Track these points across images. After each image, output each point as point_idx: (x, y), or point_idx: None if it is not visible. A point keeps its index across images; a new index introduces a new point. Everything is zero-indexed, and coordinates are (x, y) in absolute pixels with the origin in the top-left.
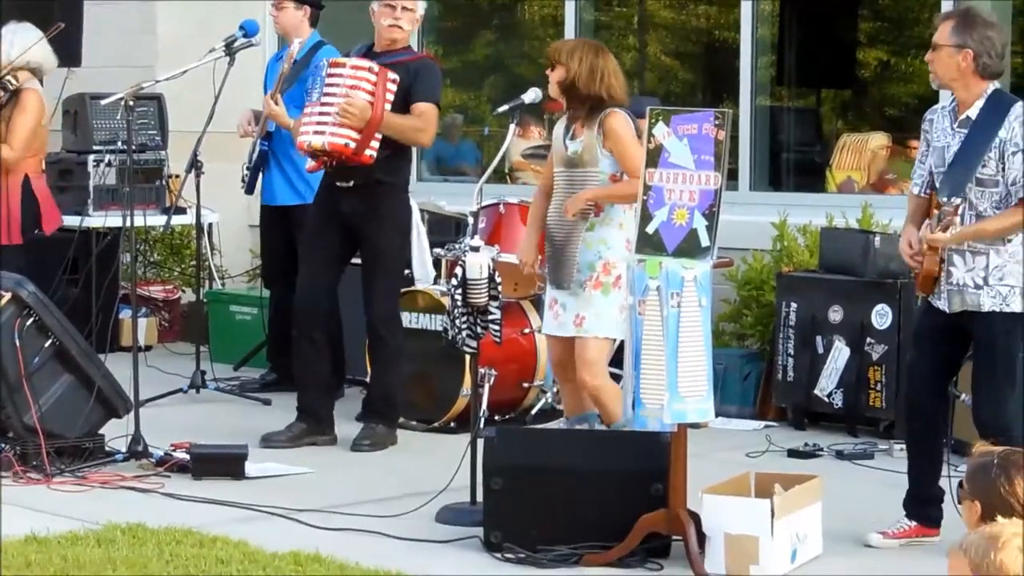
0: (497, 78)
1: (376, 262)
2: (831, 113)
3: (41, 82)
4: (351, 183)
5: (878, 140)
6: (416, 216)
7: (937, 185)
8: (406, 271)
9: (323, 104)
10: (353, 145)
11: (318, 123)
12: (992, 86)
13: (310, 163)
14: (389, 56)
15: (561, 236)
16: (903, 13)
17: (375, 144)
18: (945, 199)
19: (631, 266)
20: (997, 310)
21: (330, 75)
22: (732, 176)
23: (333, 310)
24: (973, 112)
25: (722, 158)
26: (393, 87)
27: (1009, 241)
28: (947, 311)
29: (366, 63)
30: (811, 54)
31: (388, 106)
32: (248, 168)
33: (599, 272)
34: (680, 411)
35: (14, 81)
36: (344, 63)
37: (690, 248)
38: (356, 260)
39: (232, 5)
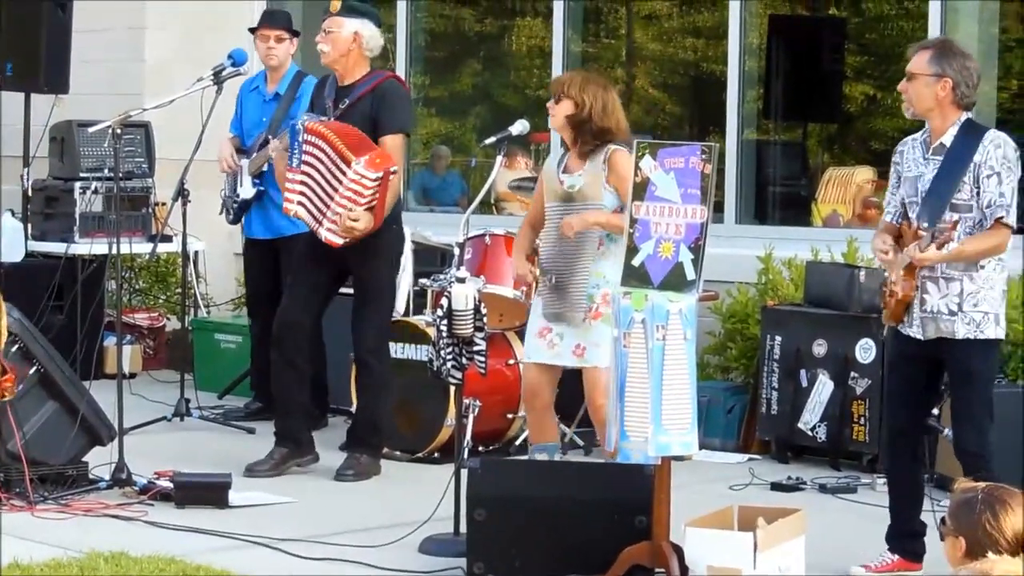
0: (483, 108)
1: (367, 293)
2: (817, 147)
3: None
4: None
5: (863, 174)
6: (408, 247)
7: (912, 214)
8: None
9: (305, 173)
10: (349, 242)
11: (302, 194)
12: (966, 115)
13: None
14: (356, 88)
15: (562, 271)
16: (889, 48)
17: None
18: (926, 224)
19: (617, 298)
20: (972, 337)
21: (308, 143)
22: (718, 209)
23: (316, 337)
24: (947, 139)
25: (708, 192)
26: (396, 181)
27: (982, 267)
28: (921, 339)
29: (372, 174)
30: (797, 88)
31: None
32: (225, 196)
33: (599, 303)
34: (664, 444)
35: None
36: (349, 159)
37: (676, 281)
38: (344, 290)
39: (220, 34)
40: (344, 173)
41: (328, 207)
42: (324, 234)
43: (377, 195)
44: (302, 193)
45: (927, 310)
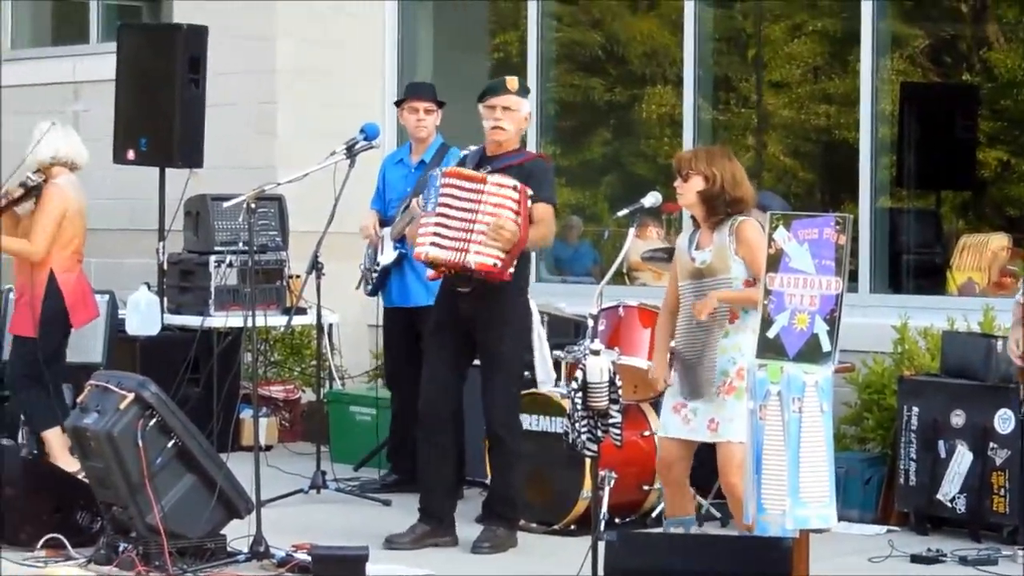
0: (614, 177)
1: (496, 366)
2: (951, 213)
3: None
4: (470, 288)
5: (998, 241)
6: (536, 318)
7: None
8: (526, 373)
9: (442, 215)
10: (500, 265)
11: (436, 235)
12: None
13: (430, 272)
14: (501, 159)
15: (694, 351)
16: (1023, 113)
17: (514, 263)
18: None
19: (752, 370)
20: None
21: (447, 185)
22: (852, 278)
23: (457, 413)
24: None
25: (843, 263)
26: (530, 203)
27: None
28: None
29: (509, 181)
30: (930, 154)
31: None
32: (365, 268)
33: (733, 377)
34: (802, 517)
35: (34, 178)
36: (484, 179)
37: (811, 353)
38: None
39: (350, 108)
40: (482, 192)
41: (471, 231)
42: (472, 259)
43: (520, 207)
44: (435, 234)
45: None
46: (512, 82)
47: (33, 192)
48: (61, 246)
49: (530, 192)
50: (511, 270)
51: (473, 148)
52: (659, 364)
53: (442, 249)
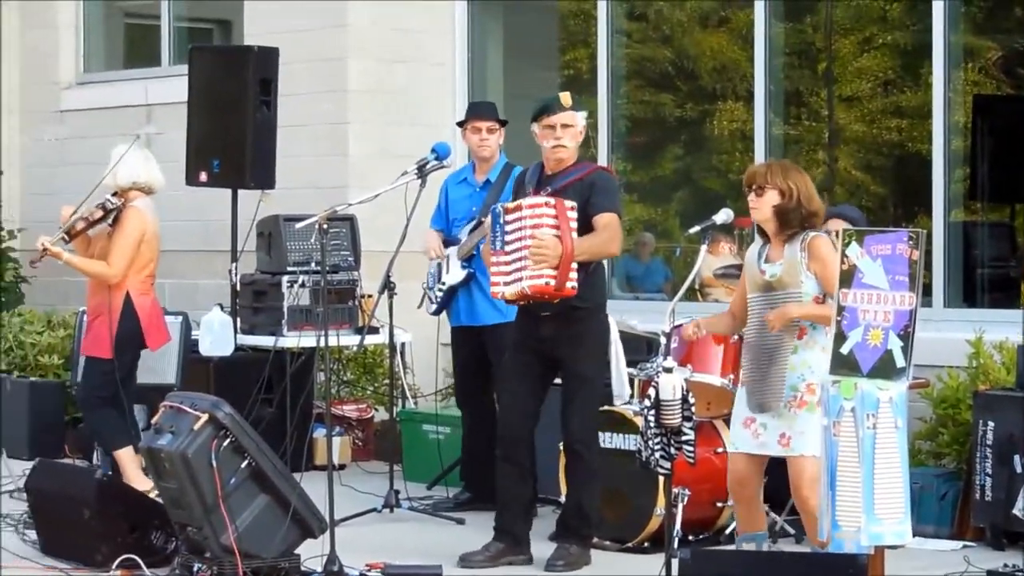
0: (685, 193)
1: (577, 384)
2: None
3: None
4: (550, 311)
5: None
6: (615, 334)
7: None
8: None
9: (508, 253)
10: (553, 283)
11: (507, 272)
12: None
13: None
14: (562, 177)
15: (761, 365)
16: None
17: (573, 275)
18: None
19: (826, 386)
20: None
21: (508, 222)
22: (926, 292)
23: (532, 434)
24: None
25: (916, 278)
26: (573, 214)
27: None
28: None
29: (540, 199)
30: (1004, 166)
31: (574, 234)
32: (427, 287)
33: (803, 392)
34: (877, 533)
35: (114, 201)
36: (519, 205)
37: (885, 369)
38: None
39: (419, 128)
40: (522, 218)
41: (521, 258)
42: (526, 285)
43: (559, 219)
44: (506, 272)
45: None
46: (566, 98)
47: (111, 214)
48: (137, 269)
49: (569, 203)
50: (571, 284)
51: (532, 167)
52: (697, 322)
53: (508, 285)
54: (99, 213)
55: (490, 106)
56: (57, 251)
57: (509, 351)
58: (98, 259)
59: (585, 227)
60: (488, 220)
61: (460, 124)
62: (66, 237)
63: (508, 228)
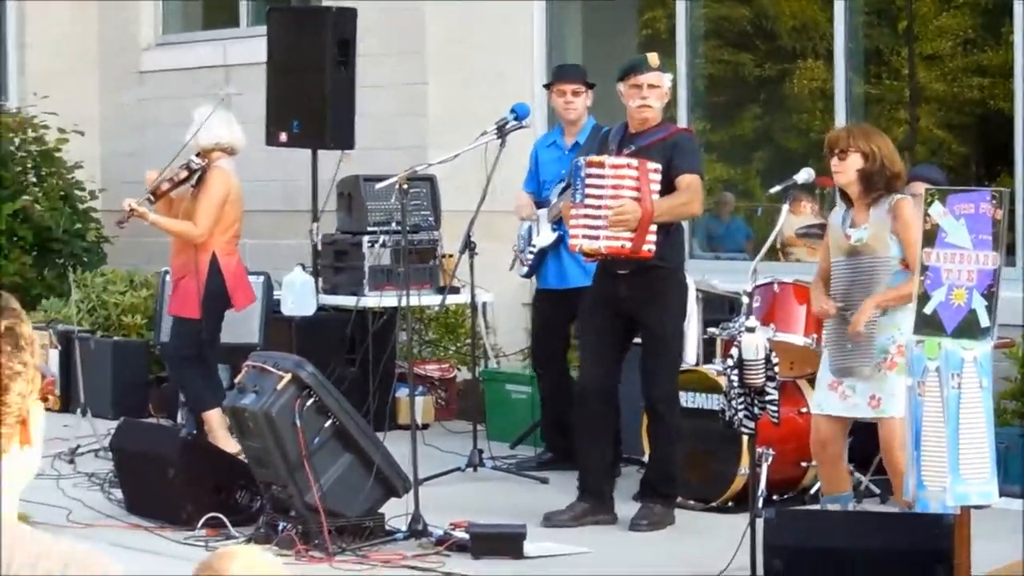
0: (765, 152)
1: (657, 344)
2: None
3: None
4: (628, 269)
5: None
6: (692, 295)
7: None
8: None
9: (588, 206)
10: (630, 245)
11: (586, 226)
12: None
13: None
14: (645, 136)
15: (847, 331)
16: None
17: (651, 237)
18: None
19: (910, 347)
20: None
21: (589, 175)
22: (1009, 251)
23: (614, 391)
24: None
25: (1000, 237)
26: (657, 176)
27: None
28: None
29: (623, 160)
30: None
31: (655, 196)
32: (518, 250)
33: (893, 354)
34: (963, 493)
35: (198, 161)
36: (603, 162)
37: (969, 329)
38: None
39: (499, 88)
40: (603, 176)
41: (600, 217)
42: (602, 245)
43: (640, 181)
44: (584, 225)
45: None
46: (653, 58)
47: (195, 175)
48: (222, 229)
49: (653, 165)
50: (648, 247)
51: (616, 126)
52: (822, 299)
53: (588, 240)
54: (184, 173)
55: (576, 68)
56: (143, 211)
57: (587, 310)
58: (182, 220)
59: (668, 188)
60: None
61: (546, 86)
62: (152, 198)
63: (589, 182)
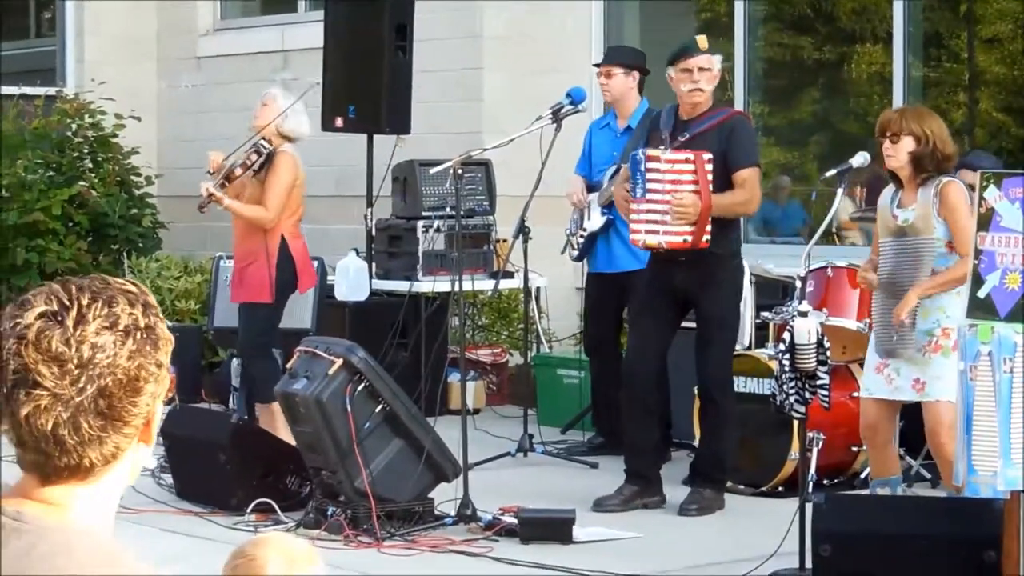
0: (823, 136)
1: (712, 328)
2: None
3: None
4: (685, 257)
5: None
6: (746, 279)
7: None
8: None
9: (649, 201)
10: (691, 239)
11: (648, 220)
12: None
13: None
14: (699, 123)
15: (892, 312)
16: None
17: (709, 228)
18: None
19: (962, 331)
20: None
21: (649, 170)
22: None
23: (663, 375)
24: None
25: None
26: (711, 167)
27: None
28: None
29: (680, 155)
30: None
31: (711, 187)
32: (570, 233)
33: (938, 336)
34: (1014, 478)
35: (267, 145)
36: (659, 158)
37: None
38: (685, 323)
39: (555, 73)
40: (659, 171)
41: (659, 211)
42: (662, 239)
43: (698, 175)
44: (648, 220)
45: None
46: (703, 41)
47: (264, 159)
48: (289, 214)
49: (707, 156)
50: (707, 237)
51: (666, 108)
52: (867, 271)
53: (650, 235)
54: (255, 157)
55: (617, 51)
56: (220, 196)
57: (641, 291)
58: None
59: (724, 176)
60: (627, 166)
61: (597, 66)
62: (225, 182)
63: (649, 176)
